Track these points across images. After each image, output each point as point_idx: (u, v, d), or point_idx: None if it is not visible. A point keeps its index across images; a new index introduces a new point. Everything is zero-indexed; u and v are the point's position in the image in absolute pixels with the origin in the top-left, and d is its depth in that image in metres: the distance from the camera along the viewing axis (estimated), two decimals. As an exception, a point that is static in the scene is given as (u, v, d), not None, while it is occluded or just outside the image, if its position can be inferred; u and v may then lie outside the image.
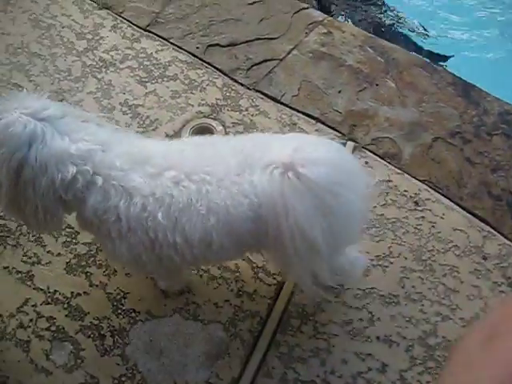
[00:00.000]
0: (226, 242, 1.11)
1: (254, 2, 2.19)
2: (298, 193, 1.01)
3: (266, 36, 2.07)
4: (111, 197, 1.09)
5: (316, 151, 1.06)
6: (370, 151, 1.79)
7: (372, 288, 1.54)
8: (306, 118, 1.85)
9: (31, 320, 1.51)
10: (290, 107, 1.88)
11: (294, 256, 1.07)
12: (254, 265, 1.57)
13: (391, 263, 1.58)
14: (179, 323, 1.51)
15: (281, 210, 1.02)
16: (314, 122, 1.85)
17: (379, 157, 1.78)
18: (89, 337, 1.49)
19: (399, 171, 1.76)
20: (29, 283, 1.55)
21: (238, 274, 1.57)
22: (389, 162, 1.77)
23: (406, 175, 1.75)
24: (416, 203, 1.70)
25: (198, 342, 1.47)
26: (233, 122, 1.81)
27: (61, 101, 1.89)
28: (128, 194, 1.09)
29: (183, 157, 1.11)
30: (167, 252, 1.13)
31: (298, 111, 1.87)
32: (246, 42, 2.05)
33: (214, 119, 1.81)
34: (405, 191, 1.71)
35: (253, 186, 1.05)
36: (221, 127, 1.79)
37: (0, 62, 2.00)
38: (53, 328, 1.50)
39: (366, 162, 1.75)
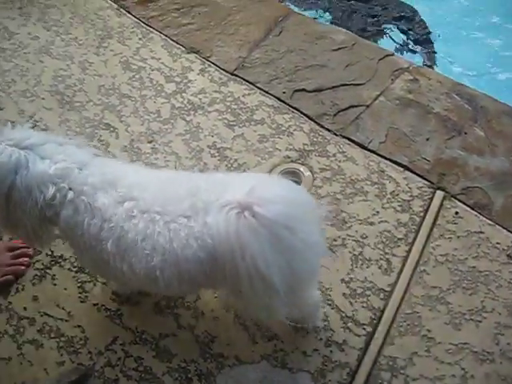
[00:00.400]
0: (174, 281, 1.13)
1: (339, 48, 2.21)
2: (254, 232, 1.01)
3: (352, 82, 2.07)
4: (80, 212, 1.16)
5: (271, 190, 1.07)
6: (460, 201, 1.75)
7: (465, 343, 1.49)
8: (394, 165, 1.83)
9: (119, 359, 1.51)
10: (378, 154, 1.86)
11: (250, 294, 1.08)
12: (343, 314, 1.55)
13: (484, 318, 1.53)
14: (267, 370, 1.48)
15: (237, 249, 1.02)
16: (401, 169, 1.82)
17: (470, 207, 1.74)
18: (176, 379, 1.48)
19: (491, 222, 1.71)
20: (117, 321, 1.56)
21: (326, 322, 1.53)
22: (480, 213, 1.73)
23: (498, 227, 1.70)
24: (509, 256, 1.65)
25: (286, 392, 1.44)
26: (320, 168, 1.80)
27: (150, 142, 1.92)
28: (92, 212, 1.15)
29: (145, 191, 1.15)
30: (119, 275, 1.18)
31: (386, 158, 1.85)
32: (332, 87, 2.06)
33: (302, 164, 1.81)
34: (497, 243, 1.66)
35: (207, 227, 1.06)
36: (308, 173, 1.79)
37: (93, 103, 2.05)
38: (140, 368, 1.50)
39: (456, 213, 1.71)
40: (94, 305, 1.60)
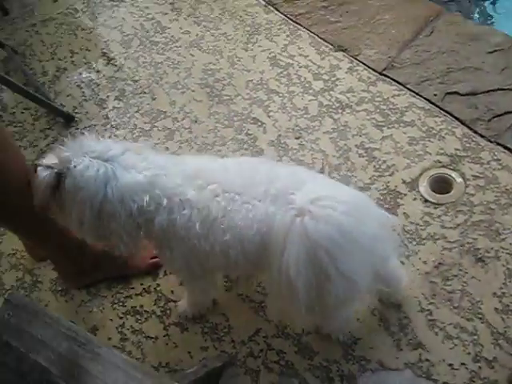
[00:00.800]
0: (240, 258, 1.20)
1: (494, 51, 2.11)
2: (299, 239, 1.06)
3: (509, 86, 1.97)
4: (174, 211, 1.22)
5: (333, 207, 1.08)
6: None
7: None
8: (556, 177, 1.71)
9: (261, 350, 1.53)
10: (536, 164, 1.75)
11: (276, 290, 1.17)
12: (494, 330, 1.47)
13: None
14: (410, 379, 1.45)
15: (280, 246, 1.09)
16: None
17: None
18: (317, 377, 1.48)
19: None
20: (261, 314, 1.58)
21: (475, 336, 1.47)
22: None
23: None
24: None
25: (431, 404, 1.39)
26: (473, 175, 1.73)
27: (297, 138, 1.92)
28: (183, 205, 1.21)
29: (226, 174, 1.22)
30: (203, 259, 1.26)
31: (546, 169, 1.73)
32: (487, 91, 1.97)
33: (453, 170, 1.75)
34: None
35: (267, 215, 1.13)
36: (460, 179, 1.73)
37: (241, 97, 2.08)
38: (282, 362, 1.50)
39: None
40: (239, 295, 1.63)
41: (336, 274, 1.10)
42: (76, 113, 2.22)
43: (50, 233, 1.47)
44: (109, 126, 2.12)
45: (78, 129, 2.17)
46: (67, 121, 2.19)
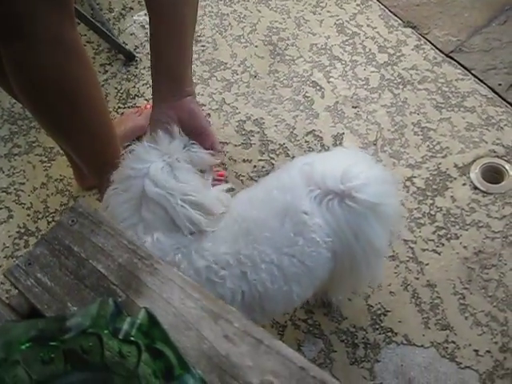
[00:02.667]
0: (308, 293, 1.14)
1: None
2: (361, 215, 1.06)
3: None
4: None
5: (361, 171, 1.07)
6: None
7: None
8: None
9: (290, 308, 1.54)
10: None
11: (364, 269, 1.17)
12: (526, 324, 1.46)
13: None
14: (434, 358, 1.45)
15: (350, 235, 1.07)
16: None
17: None
18: (342, 341, 1.49)
19: None
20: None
21: (505, 327, 1.47)
22: None
23: None
24: None
25: (450, 385, 1.40)
26: (527, 170, 1.69)
27: (355, 107, 1.91)
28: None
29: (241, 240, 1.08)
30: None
31: None
32: (554, 88, 1.91)
33: (508, 162, 1.72)
34: None
35: (321, 229, 1.05)
36: (514, 171, 1.69)
37: (303, 59, 2.08)
38: (310, 321, 1.53)
39: None
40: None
41: (395, 213, 1.18)
42: (137, 52, 2.24)
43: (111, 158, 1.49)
44: (169, 69, 2.12)
45: (137, 68, 2.18)
46: (128, 59, 2.21)
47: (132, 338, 0.62)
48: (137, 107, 2.04)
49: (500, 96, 1.94)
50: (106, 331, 0.63)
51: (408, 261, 1.58)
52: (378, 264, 1.23)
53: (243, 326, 0.66)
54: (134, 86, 2.15)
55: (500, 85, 1.98)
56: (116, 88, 2.17)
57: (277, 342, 0.64)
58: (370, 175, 1.12)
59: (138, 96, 2.12)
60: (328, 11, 2.26)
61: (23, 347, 0.62)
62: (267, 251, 1.07)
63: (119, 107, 2.11)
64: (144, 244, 1.04)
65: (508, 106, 1.91)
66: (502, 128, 1.81)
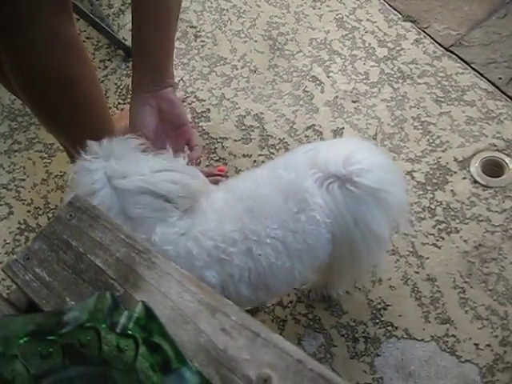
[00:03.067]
0: (308, 273, 1.14)
1: None
2: (361, 200, 1.06)
3: None
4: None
5: (364, 157, 1.07)
6: None
7: None
8: None
9: (291, 302, 1.56)
10: None
11: (363, 254, 1.16)
12: (526, 317, 1.46)
13: None
14: (434, 352, 1.45)
15: (350, 219, 1.07)
16: None
17: None
18: (342, 336, 1.49)
19: None
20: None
21: (505, 321, 1.47)
22: None
23: None
24: None
25: (451, 378, 1.41)
26: (529, 163, 1.69)
27: (354, 102, 1.91)
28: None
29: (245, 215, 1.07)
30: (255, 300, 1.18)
31: None
32: (554, 82, 1.91)
33: (508, 155, 1.72)
34: None
35: (322, 209, 1.05)
36: (515, 165, 1.69)
37: (303, 54, 2.08)
38: (310, 316, 1.53)
39: None
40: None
41: (397, 203, 1.16)
42: (137, 48, 2.22)
43: None
44: (168, 65, 2.12)
45: (137, 63, 2.17)
46: (127, 54, 2.21)
47: (129, 332, 0.62)
48: (136, 103, 2.03)
49: (500, 90, 1.94)
50: (103, 325, 0.63)
51: (408, 255, 1.58)
52: (380, 253, 1.24)
53: (240, 320, 0.66)
54: (134, 82, 2.14)
55: (500, 78, 1.98)
56: (116, 84, 2.17)
57: (274, 335, 0.64)
58: (374, 162, 1.12)
59: (137, 92, 2.11)
60: (327, 6, 2.26)
61: (21, 341, 0.63)
62: (272, 226, 1.08)
63: (119, 103, 2.11)
64: (154, 242, 1.04)
65: (508, 99, 1.90)
66: (502, 122, 1.81)
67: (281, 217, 1.09)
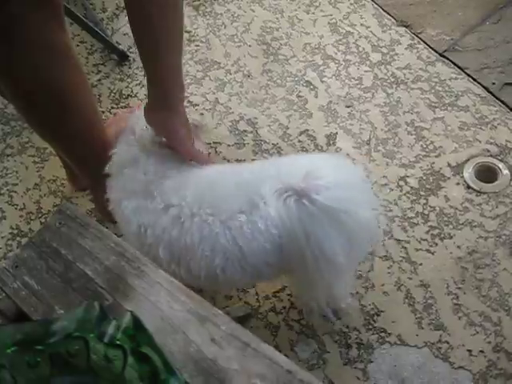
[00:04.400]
0: (236, 276, 1.11)
1: (561, 48, 2.04)
2: (315, 217, 1.01)
3: None
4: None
5: (327, 174, 1.04)
6: None
7: None
8: None
9: (284, 308, 1.55)
10: None
11: (316, 276, 1.09)
12: (520, 324, 1.46)
13: None
14: (427, 358, 1.45)
15: (301, 236, 1.02)
16: None
17: None
18: (335, 342, 1.49)
19: None
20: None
21: (498, 327, 1.47)
22: None
23: None
24: None
25: (444, 385, 1.40)
26: (521, 169, 1.69)
27: (348, 107, 1.91)
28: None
29: (194, 190, 1.12)
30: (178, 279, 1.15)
31: None
32: (547, 87, 1.91)
33: (501, 161, 1.72)
34: None
35: (270, 219, 1.04)
36: (507, 171, 1.71)
37: (297, 58, 2.08)
38: (303, 322, 1.53)
39: None
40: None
41: (359, 226, 1.09)
42: (130, 52, 2.23)
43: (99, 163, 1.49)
44: (162, 69, 2.11)
45: (130, 68, 2.18)
46: (121, 59, 2.20)
47: (118, 342, 0.62)
48: (130, 107, 2.03)
49: (494, 95, 1.94)
50: (91, 335, 0.62)
51: (401, 261, 1.58)
52: (333, 277, 1.14)
53: (230, 329, 0.66)
54: (127, 86, 2.15)
55: (494, 84, 1.98)
56: (109, 88, 2.16)
57: (264, 346, 0.64)
58: (336, 179, 1.09)
59: (131, 96, 2.12)
60: (321, 10, 2.26)
61: (9, 351, 0.62)
62: (207, 210, 1.12)
63: (112, 107, 2.10)
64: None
65: (502, 105, 1.91)
66: (495, 127, 1.81)
67: (221, 207, 1.12)
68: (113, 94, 2.15)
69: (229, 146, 1.90)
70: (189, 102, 2.05)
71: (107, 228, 1.75)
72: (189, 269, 1.15)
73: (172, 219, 1.15)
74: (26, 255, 0.79)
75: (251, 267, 1.14)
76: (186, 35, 2.26)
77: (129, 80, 2.17)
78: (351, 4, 2.27)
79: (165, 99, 1.17)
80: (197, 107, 2.02)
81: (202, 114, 2.00)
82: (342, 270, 1.15)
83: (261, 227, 1.09)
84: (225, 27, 2.28)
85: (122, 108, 2.10)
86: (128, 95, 2.14)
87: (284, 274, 1.31)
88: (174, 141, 1.20)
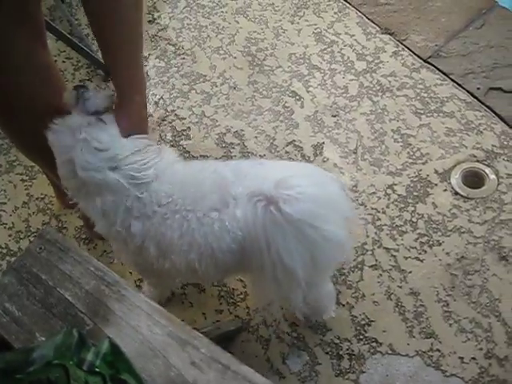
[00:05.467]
0: (211, 270, 1.14)
1: (544, 51, 2.05)
2: (279, 226, 1.01)
3: (555, 88, 1.92)
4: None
5: (299, 184, 1.03)
6: None
7: None
8: None
9: (275, 320, 1.54)
10: None
11: (273, 283, 1.09)
12: (510, 329, 1.46)
13: None
14: (419, 367, 1.45)
15: (263, 242, 1.04)
16: None
17: None
18: (327, 353, 1.49)
19: None
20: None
21: (489, 333, 1.47)
22: None
23: None
24: None
25: (437, 393, 1.40)
26: (507, 174, 1.71)
27: (334, 116, 1.91)
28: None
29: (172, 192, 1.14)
30: (165, 272, 1.24)
31: None
32: (532, 91, 1.92)
33: (488, 166, 1.73)
34: None
35: (236, 220, 1.06)
36: (494, 176, 1.71)
37: (282, 69, 2.08)
38: (294, 334, 1.52)
39: None
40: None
41: (325, 242, 1.09)
42: (116, 67, 2.22)
43: None
44: (148, 84, 2.12)
45: (117, 83, 2.17)
46: (107, 74, 2.19)
47: (97, 369, 0.62)
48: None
49: (479, 100, 1.95)
50: (71, 362, 0.62)
51: (391, 269, 1.58)
52: (289, 287, 1.12)
53: (210, 352, 0.66)
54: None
55: (478, 89, 1.99)
56: (96, 104, 2.15)
57: (244, 368, 0.63)
58: (308, 191, 1.07)
59: (117, 111, 2.11)
60: (306, 20, 2.26)
61: (-12, 381, 0.62)
62: (188, 207, 1.14)
63: (99, 123, 2.09)
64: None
65: (487, 109, 1.92)
66: (481, 132, 1.82)
67: (199, 204, 1.14)
68: (100, 110, 2.14)
69: (216, 159, 1.90)
70: (175, 115, 2.05)
71: (95, 245, 1.76)
72: (172, 262, 1.18)
73: (161, 216, 1.17)
74: (7, 281, 0.78)
75: (222, 263, 1.16)
76: (171, 48, 2.28)
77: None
78: (335, 13, 2.28)
79: (125, 91, 1.19)
80: (183, 121, 2.03)
81: (188, 127, 2.00)
82: (300, 283, 1.13)
83: (228, 226, 1.11)
84: (210, 39, 2.28)
85: (109, 123, 2.09)
86: (115, 110, 2.12)
87: (248, 275, 1.34)
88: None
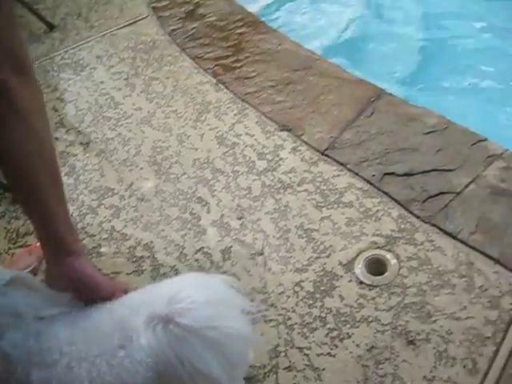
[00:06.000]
0: None
1: (431, 132, 2.21)
2: (183, 340, 1.03)
3: (443, 167, 2.07)
4: None
5: (189, 295, 1.08)
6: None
7: None
8: (484, 258, 1.79)
9: None
10: (467, 245, 1.83)
11: None
12: None
13: None
14: None
15: (174, 359, 1.05)
16: (492, 262, 1.78)
17: None
18: None
19: None
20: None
21: None
22: None
23: None
24: None
25: None
26: (407, 256, 1.79)
27: (239, 219, 1.97)
28: None
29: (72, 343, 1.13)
30: None
31: (476, 250, 1.81)
32: (423, 172, 2.06)
33: (388, 251, 1.81)
34: None
35: (143, 349, 1.08)
36: (395, 260, 1.78)
37: (187, 175, 2.15)
38: None
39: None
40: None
41: (230, 338, 1.10)
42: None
43: None
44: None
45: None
46: (15, 200, 2.20)
47: None
48: (27, 246, 2.03)
49: (375, 186, 2.05)
50: None
51: (304, 369, 1.61)
52: None
53: None
54: (23, 224, 2.15)
55: (374, 175, 2.10)
56: (5, 228, 2.17)
57: None
58: (198, 299, 1.10)
59: (27, 234, 2.13)
60: (208, 124, 2.36)
61: None
62: (94, 352, 1.11)
63: (9, 248, 2.10)
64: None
65: (383, 195, 2.02)
66: (379, 218, 1.91)
67: (103, 346, 1.12)
68: (9, 234, 2.17)
69: (127, 274, 1.91)
70: (85, 232, 2.07)
71: None
72: None
73: (66, 366, 1.13)
74: None
75: None
76: (79, 164, 2.30)
77: (24, 218, 2.17)
78: (235, 114, 2.38)
79: (64, 244, 1.16)
80: (94, 238, 2.04)
81: (99, 244, 2.01)
82: (223, 382, 1.13)
83: (137, 358, 1.10)
84: (117, 152, 2.34)
85: (19, 247, 2.10)
86: (25, 233, 2.15)
87: None
88: (91, 284, 1.19)
